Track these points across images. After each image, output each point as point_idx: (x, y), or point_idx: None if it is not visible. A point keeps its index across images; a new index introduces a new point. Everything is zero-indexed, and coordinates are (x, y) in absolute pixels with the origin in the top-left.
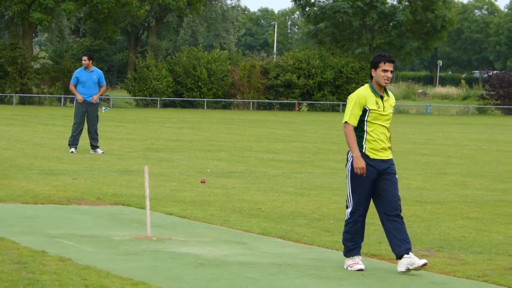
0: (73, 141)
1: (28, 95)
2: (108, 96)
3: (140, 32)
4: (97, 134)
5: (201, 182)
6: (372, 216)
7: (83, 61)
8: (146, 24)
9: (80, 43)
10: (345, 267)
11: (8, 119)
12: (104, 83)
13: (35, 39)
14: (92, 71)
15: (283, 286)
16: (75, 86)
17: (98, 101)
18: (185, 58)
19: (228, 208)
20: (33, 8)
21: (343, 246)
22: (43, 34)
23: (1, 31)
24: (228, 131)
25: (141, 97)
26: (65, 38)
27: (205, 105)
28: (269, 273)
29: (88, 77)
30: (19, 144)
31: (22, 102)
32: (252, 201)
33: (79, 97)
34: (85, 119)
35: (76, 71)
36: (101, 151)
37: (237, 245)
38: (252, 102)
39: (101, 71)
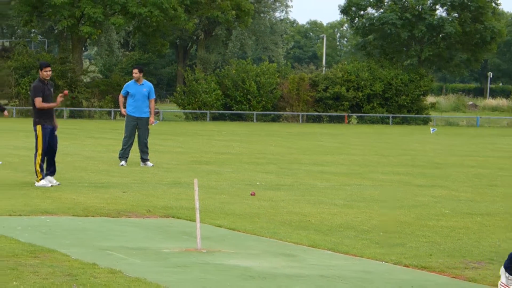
0: (123, 154)
1: (78, 108)
2: (158, 109)
3: (189, 45)
4: (147, 148)
5: (251, 194)
6: (423, 228)
7: (133, 74)
8: (195, 37)
9: (129, 57)
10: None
11: (58, 133)
12: (154, 96)
13: (85, 53)
14: (142, 84)
15: None
16: (125, 98)
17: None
18: (234, 71)
19: (277, 220)
20: (83, 22)
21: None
22: (92, 48)
23: (51, 45)
24: (277, 144)
25: (190, 110)
26: (114, 51)
27: (254, 118)
28: (318, 285)
29: (138, 90)
30: (69, 158)
31: (72, 115)
32: (301, 214)
33: (122, 111)
34: (136, 132)
35: (126, 83)
36: (151, 164)
37: (286, 257)
38: (301, 114)
39: (151, 84)
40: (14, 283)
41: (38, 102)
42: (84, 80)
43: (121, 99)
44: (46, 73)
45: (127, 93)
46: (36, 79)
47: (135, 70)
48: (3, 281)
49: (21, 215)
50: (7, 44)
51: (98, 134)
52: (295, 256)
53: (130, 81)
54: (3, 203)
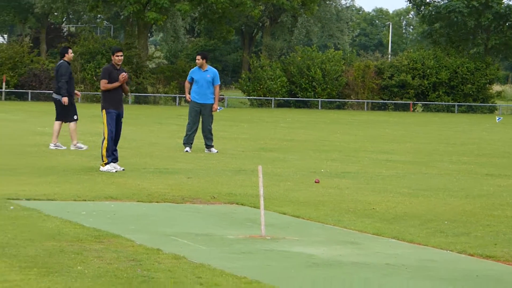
0: (188, 140)
1: (143, 94)
2: (223, 95)
3: (255, 32)
4: (211, 134)
5: (315, 182)
6: (488, 218)
7: (196, 60)
8: (261, 24)
9: (194, 43)
10: None
11: (123, 118)
12: (218, 82)
13: (150, 38)
14: (207, 70)
15: (397, 286)
16: (191, 84)
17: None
18: (299, 58)
19: (342, 208)
20: (149, 8)
21: None
22: (158, 34)
23: (117, 31)
24: (342, 131)
25: (255, 97)
26: (180, 37)
27: (319, 105)
28: (383, 273)
29: (201, 76)
30: (134, 143)
31: (138, 101)
32: (365, 202)
33: (187, 97)
34: (200, 119)
35: (192, 69)
36: (216, 151)
37: (351, 245)
38: (367, 102)
39: (216, 70)
40: (79, 267)
41: (103, 83)
42: (150, 66)
43: (187, 85)
44: (118, 58)
45: (192, 79)
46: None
47: (198, 57)
48: (68, 266)
49: (85, 200)
50: (73, 29)
51: (163, 120)
52: (360, 244)
53: (195, 67)
54: (68, 188)
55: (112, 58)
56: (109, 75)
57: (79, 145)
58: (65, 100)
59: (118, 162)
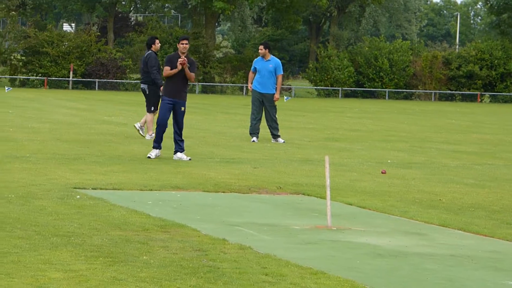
0: (253, 130)
1: (210, 83)
2: (290, 85)
3: (322, 21)
4: (276, 124)
5: (382, 172)
6: None
7: (259, 50)
8: (328, 14)
9: (262, 33)
10: None
11: (190, 108)
12: (281, 72)
13: (218, 28)
14: (269, 60)
15: (462, 277)
16: (254, 74)
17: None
18: (366, 48)
19: (408, 199)
20: None
21: None
22: (225, 23)
23: (184, 20)
24: (408, 122)
25: (322, 87)
26: (247, 27)
27: (387, 95)
28: (448, 264)
29: (264, 66)
30: (201, 133)
31: (205, 90)
32: (432, 193)
33: (249, 86)
34: (263, 108)
35: (255, 59)
36: (282, 141)
37: (416, 236)
38: (434, 92)
39: (278, 60)
40: (144, 257)
41: (164, 71)
42: (217, 56)
43: (251, 75)
44: (183, 45)
45: (255, 69)
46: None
47: (261, 47)
48: (134, 255)
49: (152, 190)
50: (140, 18)
51: (230, 110)
52: (425, 235)
53: (258, 57)
54: (135, 178)
55: (178, 46)
56: (171, 62)
57: (154, 135)
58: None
59: (184, 152)
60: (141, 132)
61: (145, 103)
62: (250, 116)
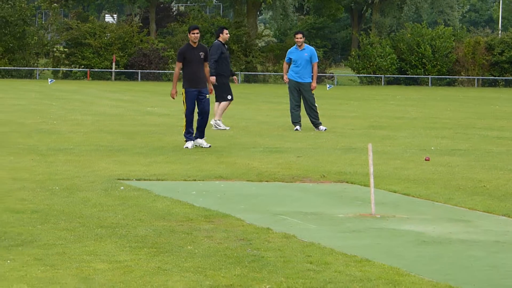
0: (295, 119)
1: (253, 73)
2: (332, 73)
3: (364, 9)
4: (316, 112)
5: (425, 159)
6: None
7: (299, 39)
8: (370, 1)
9: (304, 21)
10: None
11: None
12: (316, 60)
13: (260, 17)
14: (304, 49)
15: (507, 264)
16: (289, 65)
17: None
18: (409, 35)
19: (452, 186)
20: None
21: None
22: (267, 12)
23: (226, 9)
24: (452, 108)
25: (365, 75)
26: (289, 16)
27: (429, 82)
28: (492, 251)
29: (299, 56)
30: (244, 122)
31: (247, 80)
32: (476, 179)
33: (284, 77)
34: (301, 96)
35: (289, 50)
36: (324, 128)
37: (461, 223)
38: (477, 79)
39: (313, 48)
40: (189, 247)
41: (176, 66)
42: (259, 45)
43: (285, 66)
44: (194, 35)
45: (290, 59)
46: (214, 42)
47: (299, 35)
48: (178, 245)
49: (195, 180)
50: (182, 8)
51: (273, 99)
52: (470, 222)
53: (292, 48)
54: (178, 168)
55: (189, 36)
56: (184, 56)
57: (219, 122)
58: (212, 79)
59: (205, 138)
60: (216, 122)
61: (215, 94)
62: (289, 105)
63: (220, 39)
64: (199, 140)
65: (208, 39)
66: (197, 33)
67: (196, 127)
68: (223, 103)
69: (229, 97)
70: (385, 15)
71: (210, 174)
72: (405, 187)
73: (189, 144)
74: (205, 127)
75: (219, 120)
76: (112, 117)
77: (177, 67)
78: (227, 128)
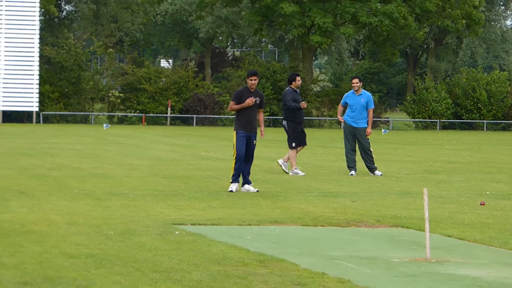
0: (350, 163)
1: (308, 118)
2: (388, 118)
3: (419, 54)
4: (371, 156)
5: (481, 204)
6: None
7: (355, 84)
8: (425, 46)
9: (359, 66)
10: None
11: (282, 142)
12: (372, 106)
13: (315, 62)
14: (361, 94)
15: None
16: (344, 108)
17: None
18: (464, 80)
19: (507, 230)
20: (313, 31)
21: None
22: (322, 57)
23: (281, 54)
24: (507, 153)
25: (420, 119)
26: (345, 60)
27: (485, 126)
28: None
29: (356, 101)
30: (299, 167)
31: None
32: None
33: (339, 118)
34: (356, 141)
35: (346, 94)
36: (380, 173)
37: None
38: None
39: (370, 94)
40: None
41: (230, 105)
42: (314, 89)
43: (340, 108)
44: (252, 82)
45: (346, 103)
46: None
47: (356, 80)
48: None
49: (250, 225)
50: (237, 53)
51: (328, 143)
52: None
53: (349, 92)
54: (233, 213)
55: (247, 81)
56: (239, 97)
57: (295, 171)
58: (302, 105)
59: (252, 184)
60: (283, 167)
61: (287, 140)
62: (344, 150)
63: (293, 86)
64: (246, 186)
65: (263, 84)
66: (255, 79)
67: (241, 173)
68: (291, 152)
69: (293, 144)
70: (441, 60)
71: (265, 218)
72: (460, 231)
73: (234, 187)
74: (249, 172)
75: (295, 169)
76: (167, 162)
77: (231, 105)
78: (302, 173)
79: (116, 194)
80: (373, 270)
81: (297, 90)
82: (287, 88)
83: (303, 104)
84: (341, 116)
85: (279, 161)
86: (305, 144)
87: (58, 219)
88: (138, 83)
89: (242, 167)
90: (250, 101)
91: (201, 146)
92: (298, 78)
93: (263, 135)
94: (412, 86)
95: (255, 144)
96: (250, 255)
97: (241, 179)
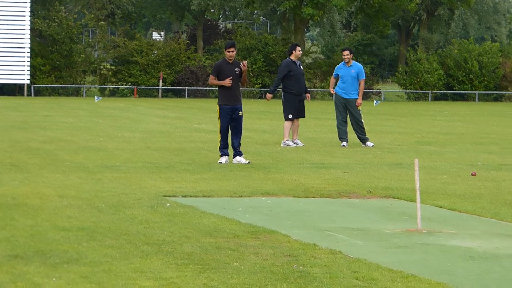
0: (341, 135)
1: None
2: (380, 89)
3: (411, 25)
4: (363, 128)
5: (472, 175)
6: None
7: (346, 56)
8: (417, 18)
9: (351, 38)
10: None
11: (281, 113)
12: (363, 77)
13: (307, 34)
14: (351, 66)
15: None
16: (336, 80)
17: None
18: (456, 51)
19: (499, 201)
20: (305, 3)
21: None
22: (314, 29)
23: (273, 26)
24: (499, 124)
25: (412, 90)
26: (337, 32)
27: (476, 97)
28: None
29: (347, 72)
30: (291, 138)
31: None
32: None
33: (331, 91)
34: (347, 112)
35: (337, 66)
36: (371, 144)
37: (508, 238)
38: None
39: (361, 66)
40: (235, 264)
41: (209, 79)
42: (306, 61)
43: (332, 80)
44: (229, 53)
45: (338, 75)
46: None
47: (347, 52)
48: (225, 262)
49: (242, 197)
50: (229, 26)
51: (320, 115)
52: None
53: (340, 64)
54: (225, 185)
55: (225, 53)
56: (218, 71)
57: (287, 142)
58: (267, 96)
59: (243, 155)
60: (293, 144)
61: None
62: (336, 121)
63: (292, 56)
64: (237, 158)
65: (255, 56)
66: (232, 51)
67: (231, 145)
68: (286, 123)
69: (289, 116)
70: (433, 32)
71: (257, 190)
72: (452, 202)
73: (223, 159)
74: (239, 144)
75: (287, 140)
76: (159, 134)
77: (210, 79)
78: (301, 144)
79: (108, 167)
80: (364, 241)
81: (296, 62)
82: (285, 59)
83: (268, 96)
84: (333, 88)
85: (282, 144)
86: (303, 116)
87: (50, 192)
88: (130, 55)
89: (232, 141)
90: (228, 81)
91: (193, 118)
92: (299, 48)
93: (245, 66)
94: (404, 58)
95: (241, 115)
96: (242, 227)
97: (232, 151)
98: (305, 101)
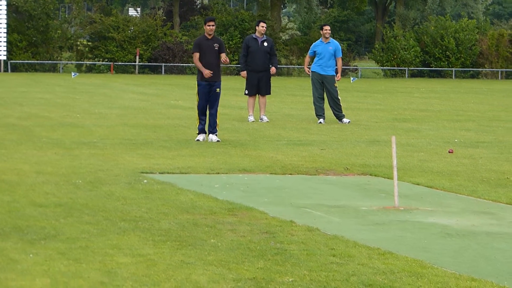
0: (318, 112)
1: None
2: (356, 66)
3: (388, 2)
4: (339, 105)
5: (449, 152)
6: None
7: (326, 31)
8: None
9: (328, 14)
10: None
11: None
12: (340, 55)
13: (283, 10)
14: (329, 42)
15: None
16: (311, 58)
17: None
18: (432, 28)
19: (476, 178)
20: None
21: None
22: (291, 6)
23: (250, 3)
24: (476, 101)
25: (389, 67)
26: (313, 9)
27: (453, 74)
28: None
29: (324, 49)
30: (268, 115)
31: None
32: (500, 171)
33: (306, 70)
34: (324, 89)
35: (314, 43)
36: (348, 121)
37: (485, 215)
38: (501, 71)
39: (337, 43)
40: (212, 240)
41: (194, 58)
42: (283, 38)
43: (307, 59)
44: (209, 27)
45: (314, 53)
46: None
47: (327, 27)
48: (202, 239)
49: (219, 173)
50: (206, 2)
51: (297, 92)
52: (494, 214)
53: (317, 41)
54: (202, 162)
55: (204, 28)
56: (200, 47)
57: (250, 118)
58: (242, 74)
59: (217, 133)
60: (249, 118)
61: None
62: (312, 98)
63: (257, 33)
64: (210, 136)
65: (231, 33)
66: (212, 25)
67: (208, 123)
68: (248, 99)
69: (245, 92)
70: (409, 8)
71: (234, 167)
72: (429, 179)
73: (201, 137)
74: (215, 121)
75: (249, 116)
76: (136, 111)
77: (195, 58)
78: (266, 120)
79: (85, 143)
80: (341, 218)
81: (260, 38)
82: (248, 36)
83: (242, 74)
84: (308, 67)
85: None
86: (267, 94)
87: (26, 168)
88: (106, 31)
89: (208, 118)
90: (208, 72)
91: (170, 95)
92: (262, 24)
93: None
94: (381, 34)
95: (219, 92)
96: (219, 204)
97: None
98: (273, 77)
